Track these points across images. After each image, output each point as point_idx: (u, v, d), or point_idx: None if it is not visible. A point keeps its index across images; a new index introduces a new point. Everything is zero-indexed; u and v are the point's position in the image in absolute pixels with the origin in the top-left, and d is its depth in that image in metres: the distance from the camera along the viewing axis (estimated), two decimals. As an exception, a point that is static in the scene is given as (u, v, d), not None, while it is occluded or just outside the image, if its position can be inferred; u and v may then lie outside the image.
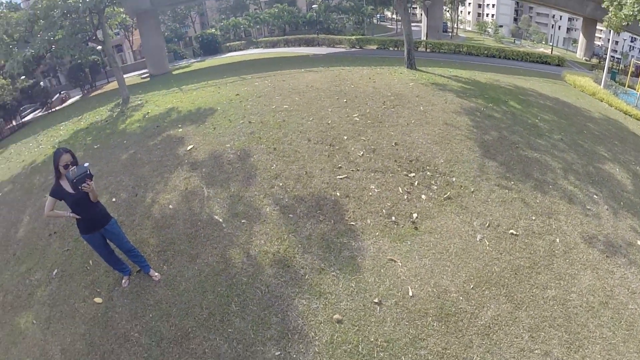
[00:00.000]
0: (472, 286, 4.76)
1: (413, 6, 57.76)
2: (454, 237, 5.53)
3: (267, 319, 4.43)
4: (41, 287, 5.82)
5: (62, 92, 35.67)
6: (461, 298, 4.61)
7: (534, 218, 6.08)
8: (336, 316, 4.38)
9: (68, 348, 4.71)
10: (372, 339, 4.11)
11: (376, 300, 4.52)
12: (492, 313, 4.44)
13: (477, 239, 5.49)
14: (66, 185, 4.25)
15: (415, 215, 5.92)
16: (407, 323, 4.28)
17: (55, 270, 5.97)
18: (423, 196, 6.35)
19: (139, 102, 16.30)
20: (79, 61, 31.13)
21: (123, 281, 5.19)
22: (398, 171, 6.97)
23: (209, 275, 5.08)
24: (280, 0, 55.50)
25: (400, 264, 5.04)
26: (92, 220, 4.51)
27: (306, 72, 15.97)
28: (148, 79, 30.01)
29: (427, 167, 7.10)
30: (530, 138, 8.85)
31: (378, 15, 68.85)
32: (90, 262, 5.81)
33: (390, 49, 31.23)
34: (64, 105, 31.93)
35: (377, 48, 32.25)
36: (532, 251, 5.38)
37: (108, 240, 4.80)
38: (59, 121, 18.80)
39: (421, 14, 48.31)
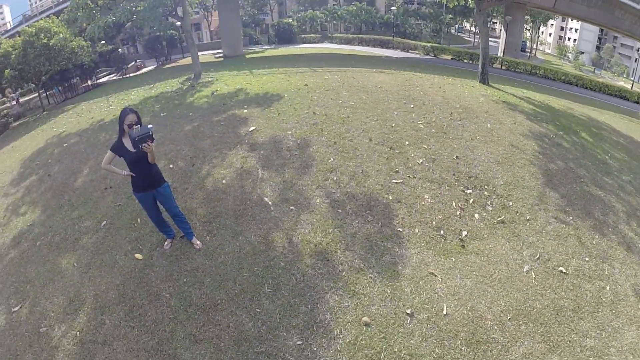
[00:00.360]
0: (509, 317, 4.67)
1: (493, 20, 56.59)
2: (500, 263, 5.45)
3: (296, 307, 4.62)
4: (88, 234, 6.48)
5: (138, 61, 38.74)
6: (495, 327, 4.53)
7: (587, 259, 5.85)
8: (365, 319, 4.47)
9: (101, 295, 5.23)
10: (396, 350, 4.16)
11: (408, 311, 4.55)
12: (525, 350, 4.32)
13: (524, 270, 5.38)
14: (127, 144, 4.72)
15: (464, 233, 5.89)
16: (435, 341, 4.27)
17: (104, 222, 6.63)
18: (476, 215, 6.30)
19: (209, 79, 17.29)
20: (158, 34, 33.86)
21: (165, 243, 5.66)
22: (455, 185, 6.96)
23: (248, 253, 5.38)
24: (359, -2, 56.64)
25: (440, 280, 5.04)
26: (146, 180, 4.97)
27: (377, 73, 16.23)
28: (222, 59, 31.64)
29: (485, 187, 7.03)
30: (597, 174, 8.56)
31: (457, 25, 67.90)
32: (139, 220, 6.39)
33: (465, 61, 31.11)
34: (138, 72, 34.58)
35: (451, 58, 32.24)
36: (578, 294, 5.17)
37: (158, 203, 5.25)
38: (131, 87, 20.43)
39: (500, 30, 47.39)
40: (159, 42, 37.02)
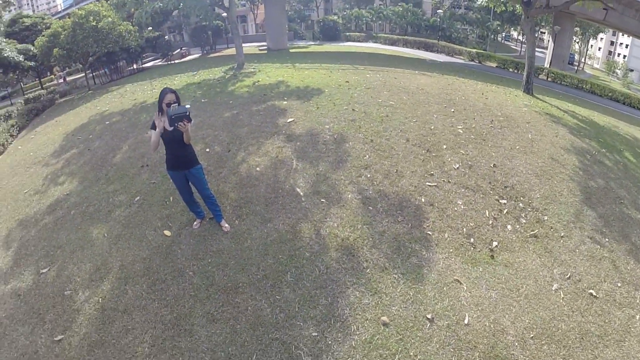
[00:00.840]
0: (531, 335, 4.49)
1: (541, 30, 54.83)
2: (528, 278, 5.27)
3: (316, 299, 4.62)
4: (121, 207, 6.73)
5: (183, 48, 39.98)
6: (517, 344, 4.37)
7: (619, 285, 5.56)
8: (384, 318, 4.41)
9: (127, 266, 5.43)
10: (412, 354, 4.08)
11: (429, 316, 4.46)
12: None
13: (553, 288, 5.18)
14: (165, 123, 4.84)
15: (495, 243, 5.74)
16: (452, 350, 4.16)
17: (138, 197, 6.89)
18: (509, 226, 6.14)
19: (252, 69, 17.63)
20: (204, 23, 34.81)
21: (195, 223, 5.81)
22: (490, 194, 6.81)
23: (274, 240, 5.43)
24: (406, -1, 56.25)
25: (465, 288, 4.92)
26: (180, 159, 5.09)
27: (419, 75, 16.21)
28: (265, 51, 32.18)
29: (521, 198, 6.84)
30: (638, 197, 8.17)
31: (503, 33, 66.31)
32: (171, 198, 6.61)
33: (510, 69, 30.38)
34: (182, 60, 35.62)
35: (496, 66, 31.58)
36: (606, 320, 4.91)
37: (190, 183, 5.37)
38: (175, 72, 21.10)
39: (548, 40, 46.06)
40: (204, 32, 38.08)
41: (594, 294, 5.29)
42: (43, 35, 27.48)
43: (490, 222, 6.15)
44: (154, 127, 4.90)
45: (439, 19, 49.80)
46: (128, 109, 13.39)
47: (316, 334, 4.24)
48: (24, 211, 8.09)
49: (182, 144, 4.92)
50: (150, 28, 34.34)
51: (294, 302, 4.58)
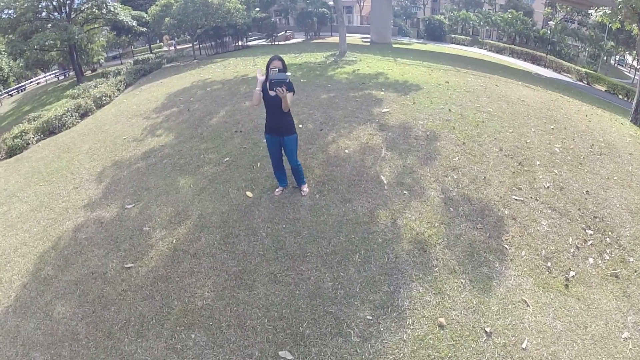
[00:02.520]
0: None
1: None
2: (599, 318, 4.87)
3: (379, 284, 4.68)
4: (210, 164, 7.31)
5: (287, 31, 41.61)
6: None
7: None
8: (441, 320, 4.34)
9: (205, 216, 5.91)
10: None
11: (487, 330, 4.32)
12: None
13: (622, 336, 4.71)
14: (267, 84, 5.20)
15: (572, 273, 5.38)
16: None
17: (227, 158, 7.45)
18: (590, 259, 5.72)
19: (353, 58, 17.95)
20: (309, 9, 35.88)
21: (277, 190, 6.18)
22: (577, 221, 6.39)
23: (350, 220, 5.57)
24: (517, 6, 53.45)
25: (531, 311, 4.68)
26: (277, 124, 5.45)
27: (522, 86, 15.49)
28: (368, 43, 32.41)
29: (609, 233, 6.31)
30: None
31: (617, 56, 60.21)
32: (258, 164, 7.09)
33: (620, 96, 27.73)
34: (286, 42, 37.04)
35: (605, 90, 29.12)
36: None
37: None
38: (278, 52, 21.94)
39: None
40: (309, 18, 39.33)
41: (666, 356, 4.76)
42: (156, 5, 30.52)
43: (572, 250, 5.81)
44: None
45: (549, 31, 46.90)
46: (229, 79, 14.32)
47: (370, 317, 4.30)
48: (120, 154, 9.04)
49: (280, 111, 5.24)
50: (257, 9, 36.20)
51: (356, 282, 4.68)
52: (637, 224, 6.79)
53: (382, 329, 4.19)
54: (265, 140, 5.81)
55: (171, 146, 8.66)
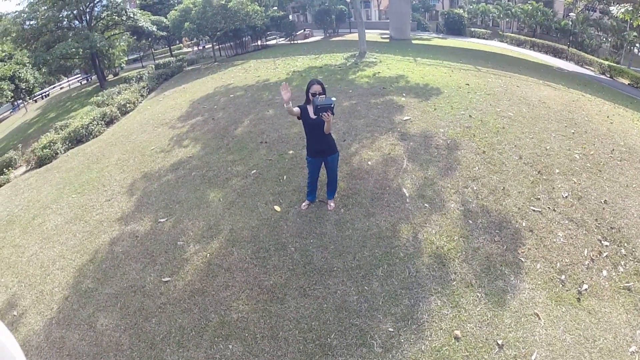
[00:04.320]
0: None
1: None
2: (609, 332, 5.04)
3: (400, 298, 5.02)
4: (238, 177, 7.76)
5: (306, 30, 42.02)
6: None
7: None
8: (457, 332, 4.64)
9: (236, 230, 6.35)
10: None
11: (499, 342, 4.58)
12: None
13: (629, 350, 4.89)
14: (310, 111, 5.52)
15: (585, 286, 5.55)
16: None
17: (254, 171, 7.88)
18: (604, 272, 5.86)
19: (373, 59, 18.20)
20: (327, 7, 36.19)
21: (303, 204, 6.56)
22: (593, 232, 6.52)
23: (374, 234, 5.92)
24: (537, -3, 52.57)
25: (542, 324, 4.91)
26: (320, 146, 5.75)
27: (543, 85, 15.51)
28: (387, 40, 32.58)
29: (625, 244, 6.40)
30: None
31: None
32: (285, 177, 7.50)
33: None
34: (305, 40, 37.49)
35: (628, 83, 28.23)
36: None
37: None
38: (297, 53, 22.45)
39: None
40: (328, 15, 39.64)
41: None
42: (175, 10, 31.57)
43: (587, 262, 5.97)
44: (299, 107, 5.53)
45: (570, 22, 45.98)
46: (251, 85, 14.80)
47: (392, 329, 4.64)
48: (149, 166, 9.54)
49: (322, 133, 5.53)
50: (275, 7, 36.70)
51: (379, 295, 5.03)
52: (654, 234, 6.79)
53: (402, 340, 4.52)
54: (306, 161, 6.09)
55: (198, 158, 9.14)
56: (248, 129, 10.00)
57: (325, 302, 4.99)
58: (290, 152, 8.52)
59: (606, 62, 32.81)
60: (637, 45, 51.98)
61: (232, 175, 7.95)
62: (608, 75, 30.51)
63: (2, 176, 13.22)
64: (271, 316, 4.89)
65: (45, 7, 27.20)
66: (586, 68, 32.68)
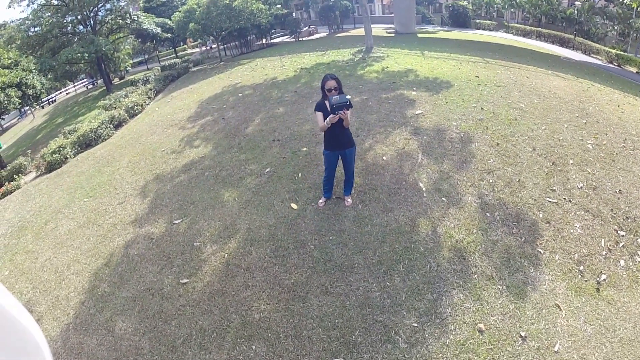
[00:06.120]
0: None
1: None
2: (628, 321, 5.06)
3: (423, 293, 5.01)
4: (252, 176, 7.76)
5: (311, 26, 42.17)
6: None
7: None
8: (480, 325, 4.63)
9: (253, 230, 6.35)
10: None
11: (522, 334, 4.60)
12: None
13: None
14: (327, 105, 5.51)
15: (604, 277, 5.58)
16: None
17: (268, 169, 7.89)
18: (622, 262, 5.88)
19: (380, 54, 18.22)
20: (331, 2, 36.26)
21: (320, 201, 6.56)
22: (609, 222, 6.54)
23: (393, 230, 5.90)
24: (542, -14, 52.36)
25: (563, 315, 4.93)
26: (339, 140, 5.77)
27: (552, 76, 15.55)
28: (393, 34, 32.58)
29: None
30: None
31: None
32: (300, 174, 7.51)
33: None
34: (310, 37, 37.58)
35: (636, 72, 28.05)
36: None
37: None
38: (303, 50, 22.46)
39: None
40: (332, 11, 39.71)
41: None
42: (179, 11, 31.77)
43: (604, 252, 5.99)
44: (317, 108, 5.60)
45: (576, 11, 45.76)
46: (259, 84, 14.83)
47: (416, 325, 4.63)
48: (161, 167, 9.57)
49: (341, 127, 5.57)
50: (278, 5, 36.81)
51: (402, 291, 5.02)
52: (668, 223, 6.80)
53: (426, 335, 4.51)
54: (323, 156, 6.09)
55: (211, 158, 9.15)
56: (259, 128, 10.02)
57: (347, 299, 4.97)
58: (304, 149, 8.52)
59: (613, 51, 32.62)
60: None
61: (246, 174, 7.96)
62: (616, 64, 30.36)
63: (12, 182, 13.37)
64: (294, 315, 4.87)
65: (49, 14, 27.48)
66: (593, 57, 32.56)
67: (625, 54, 33.54)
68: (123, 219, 7.85)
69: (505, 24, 46.60)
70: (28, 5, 27.78)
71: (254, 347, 4.60)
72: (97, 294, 6.04)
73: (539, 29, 42.39)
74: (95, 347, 5.15)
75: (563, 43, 36.78)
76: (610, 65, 30.33)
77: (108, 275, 6.36)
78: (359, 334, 4.57)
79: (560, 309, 5.02)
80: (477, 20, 48.35)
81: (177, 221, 7.14)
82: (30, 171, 14.62)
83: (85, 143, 14.46)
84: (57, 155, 13.47)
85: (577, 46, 35.45)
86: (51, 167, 13.30)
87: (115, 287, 6.05)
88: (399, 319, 4.71)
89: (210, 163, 8.89)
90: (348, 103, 5.13)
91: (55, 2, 28.04)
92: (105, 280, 6.28)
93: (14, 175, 14.15)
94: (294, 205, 6.66)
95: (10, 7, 27.43)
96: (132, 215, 7.85)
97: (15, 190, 12.76)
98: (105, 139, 14.62)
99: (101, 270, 6.54)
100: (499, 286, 5.17)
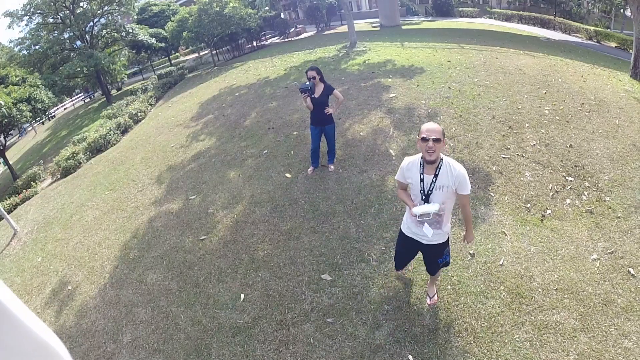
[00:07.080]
0: (556, 288, 5.13)
1: None
2: (570, 244, 5.85)
3: (389, 226, 6.43)
4: (252, 158, 9.33)
5: (298, 26, 43.66)
6: (540, 290, 5.09)
7: None
8: None
9: (255, 195, 7.96)
10: (450, 275, 5.48)
11: (471, 252, 5.83)
12: (557, 318, 4.74)
13: (591, 257, 5.62)
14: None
15: (549, 211, 6.57)
16: (482, 279, 5.41)
17: (265, 151, 9.47)
18: (567, 200, 6.86)
19: (363, 48, 19.76)
20: (316, 1, 37.90)
21: (309, 169, 8.19)
22: (559, 170, 7.58)
23: (367, 185, 7.48)
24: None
25: (508, 239, 6.02)
26: (319, 117, 7.41)
27: (523, 55, 16.51)
28: (378, 28, 33.88)
29: (588, 178, 7.38)
30: None
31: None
32: (292, 152, 9.11)
33: (630, 51, 27.45)
34: (298, 37, 39.05)
35: (615, 46, 28.85)
36: (637, 297, 5.03)
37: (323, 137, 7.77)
38: (292, 50, 24.03)
39: None
40: (318, 10, 41.11)
41: (632, 272, 5.38)
42: (172, 21, 33.81)
43: (551, 194, 7.00)
44: (302, 90, 7.13)
45: None
46: (253, 83, 16.49)
47: (384, 248, 6.08)
48: (172, 159, 11.12)
49: (322, 107, 7.24)
50: (266, 8, 38.40)
51: (373, 226, 6.53)
52: (616, 169, 7.74)
53: (392, 255, 5.86)
54: (310, 130, 7.69)
55: (216, 147, 10.76)
56: (256, 120, 11.66)
57: (331, 235, 6.52)
58: (295, 133, 10.10)
59: (592, 28, 33.41)
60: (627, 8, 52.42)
61: (247, 156, 9.58)
62: (595, 40, 31.28)
63: (29, 189, 14.60)
64: (290, 250, 6.42)
65: (46, 32, 29.17)
66: (574, 35, 33.35)
67: (604, 29, 34.39)
68: (144, 202, 9.31)
69: (489, 9, 47.40)
70: (27, 25, 29.47)
71: (260, 274, 6.11)
72: (128, 259, 7.44)
73: (521, 12, 42.97)
74: (131, 296, 6.43)
75: (544, 24, 37.61)
76: (590, 42, 31.11)
77: (136, 244, 7.79)
78: (339, 257, 6.06)
79: (506, 235, 6.01)
80: (461, 9, 49.05)
81: (192, 197, 8.69)
82: (45, 178, 15.90)
83: (96, 149, 15.86)
84: (71, 161, 14.84)
85: (557, 26, 36.30)
86: (66, 172, 14.58)
87: (144, 251, 7.48)
88: (371, 245, 6.17)
89: (216, 151, 10.48)
90: (309, 88, 6.96)
91: (51, 21, 29.77)
92: (134, 248, 7.71)
93: (31, 182, 15.41)
94: (288, 175, 8.27)
95: (9, 27, 29.11)
96: (152, 199, 9.32)
97: (33, 195, 13.95)
98: (114, 144, 16.08)
99: (130, 241, 7.96)
100: (453, 220, 6.30)
